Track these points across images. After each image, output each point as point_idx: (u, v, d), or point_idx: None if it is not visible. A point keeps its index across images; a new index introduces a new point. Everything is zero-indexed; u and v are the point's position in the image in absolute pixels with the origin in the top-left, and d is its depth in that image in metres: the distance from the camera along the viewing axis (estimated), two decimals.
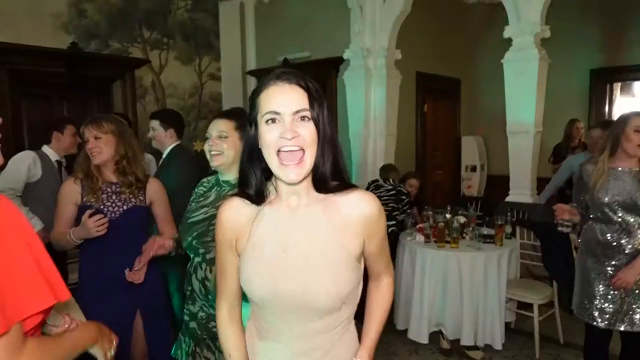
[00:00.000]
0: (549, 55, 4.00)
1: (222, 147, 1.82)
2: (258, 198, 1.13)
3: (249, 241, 1.13)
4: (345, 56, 5.05)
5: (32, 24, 4.40)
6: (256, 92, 1.09)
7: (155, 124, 3.15)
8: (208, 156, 1.86)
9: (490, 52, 5.83)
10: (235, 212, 1.16)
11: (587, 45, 5.97)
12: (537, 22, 3.85)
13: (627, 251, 2.33)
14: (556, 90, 5.12)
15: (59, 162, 3.35)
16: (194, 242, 1.83)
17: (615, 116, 5.85)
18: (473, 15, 6.62)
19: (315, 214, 1.11)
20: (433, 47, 5.98)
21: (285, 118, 1.02)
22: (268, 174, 1.13)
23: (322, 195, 1.11)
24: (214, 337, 1.78)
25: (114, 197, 2.19)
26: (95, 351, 1.27)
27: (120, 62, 5.07)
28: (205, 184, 1.97)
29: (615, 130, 2.36)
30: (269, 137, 1.03)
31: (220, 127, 1.85)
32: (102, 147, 2.16)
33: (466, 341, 3.34)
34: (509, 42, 4.03)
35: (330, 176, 1.09)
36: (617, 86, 6.56)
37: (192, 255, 1.87)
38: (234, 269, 1.18)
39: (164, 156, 3.19)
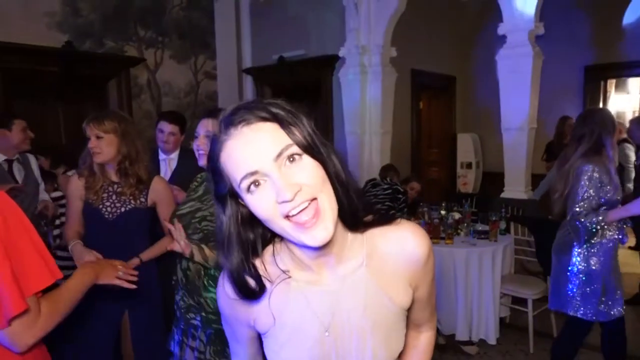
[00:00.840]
0: (543, 52, 4.02)
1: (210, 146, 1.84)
2: (245, 294, 0.86)
3: (276, 323, 0.89)
4: (340, 54, 5.06)
5: (26, 23, 4.38)
6: (213, 158, 0.80)
7: (175, 129, 3.07)
8: (196, 155, 1.89)
9: (484, 49, 5.87)
10: (233, 301, 0.90)
11: (581, 41, 6.00)
12: (531, 19, 3.87)
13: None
14: (550, 86, 5.15)
15: (8, 162, 2.97)
16: None
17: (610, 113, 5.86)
18: (467, 12, 6.64)
19: (357, 278, 0.87)
20: (428, 44, 6.00)
21: (269, 172, 0.73)
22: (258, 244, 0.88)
23: (361, 251, 0.87)
24: (195, 327, 1.86)
25: (114, 197, 2.18)
26: (106, 281, 1.47)
27: (116, 60, 5.06)
28: (198, 179, 2.01)
29: (610, 127, 2.40)
30: (264, 208, 0.75)
31: (208, 127, 1.86)
32: (102, 147, 2.12)
33: (461, 336, 3.37)
34: (503, 39, 4.05)
35: (361, 207, 0.85)
36: (612, 83, 6.61)
37: None
38: (253, 339, 0.97)
39: (172, 156, 3.17)
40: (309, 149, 0.76)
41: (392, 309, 0.89)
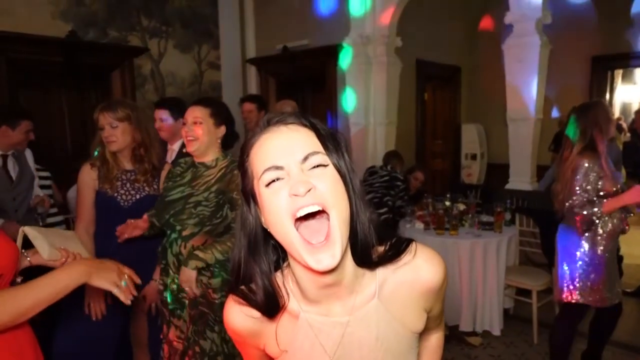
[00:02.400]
0: (550, 42, 3.98)
1: (197, 133, 1.90)
2: (269, 307, 0.83)
3: (284, 351, 0.87)
4: (344, 44, 5.02)
5: (30, 12, 4.37)
6: (244, 153, 0.80)
7: (163, 114, 2.96)
8: (185, 141, 1.94)
9: (490, 38, 5.81)
10: (246, 320, 0.86)
11: (589, 31, 5.92)
12: (539, 8, 3.81)
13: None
14: (557, 77, 5.10)
15: (2, 157, 2.85)
16: (170, 220, 1.92)
17: (617, 103, 5.83)
18: (473, 2, 6.57)
19: (370, 310, 0.83)
20: (433, 34, 5.94)
21: (292, 170, 0.73)
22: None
23: (371, 287, 0.84)
24: (183, 306, 1.92)
25: (128, 185, 2.19)
26: (100, 284, 1.29)
27: (119, 50, 5.04)
28: (182, 165, 2.06)
29: (602, 119, 2.46)
30: (278, 201, 0.73)
31: (196, 114, 1.93)
32: (118, 135, 2.14)
33: (465, 327, 3.37)
34: (509, 28, 4.01)
35: (375, 245, 0.82)
36: (619, 73, 6.55)
37: (168, 232, 1.96)
38: (265, 358, 0.94)
39: (174, 147, 3.02)
40: (338, 167, 0.76)
41: (405, 335, 0.86)
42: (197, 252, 1.85)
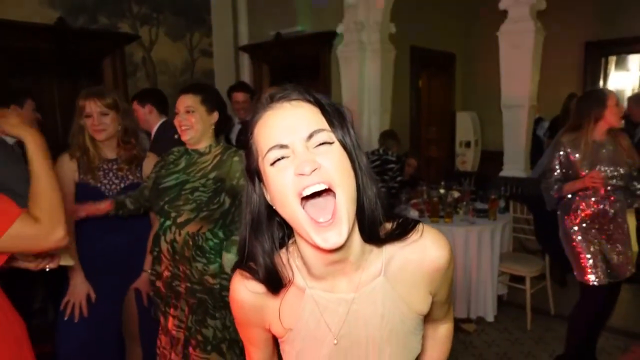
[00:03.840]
0: (544, 28, 3.96)
1: (190, 121, 1.89)
2: (272, 285, 0.83)
3: (288, 330, 0.87)
4: (338, 30, 4.97)
5: None
6: (249, 130, 0.79)
7: (134, 105, 3.19)
8: (179, 130, 1.93)
9: (485, 25, 5.76)
10: (251, 294, 0.86)
11: (583, 17, 5.90)
12: None
13: (611, 215, 2.59)
14: (551, 63, 5.09)
15: (21, 144, 3.00)
16: (165, 207, 1.91)
17: (610, 90, 5.81)
18: None
19: (370, 289, 0.84)
20: (428, 20, 5.90)
21: (297, 148, 0.72)
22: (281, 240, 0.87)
23: (377, 263, 0.84)
24: (177, 294, 1.91)
25: (110, 174, 2.14)
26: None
27: (109, 37, 4.95)
28: (175, 153, 2.04)
29: (596, 107, 2.54)
30: (283, 180, 0.72)
31: (187, 102, 1.91)
32: (108, 123, 2.08)
33: (459, 314, 3.40)
34: (504, 14, 3.98)
35: (382, 220, 0.81)
36: (612, 59, 6.53)
37: (162, 220, 1.94)
38: (267, 341, 0.95)
39: (152, 136, 3.20)
40: (343, 143, 0.75)
41: (410, 316, 0.87)
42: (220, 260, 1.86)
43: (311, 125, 0.73)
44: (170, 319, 1.94)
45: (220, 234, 1.91)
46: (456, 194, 3.73)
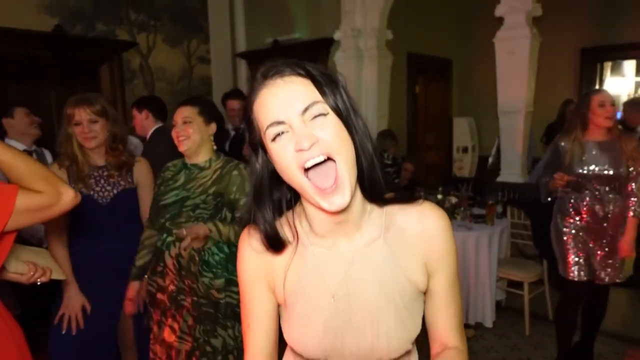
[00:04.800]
0: (540, 34, 3.99)
1: (187, 132, 1.88)
2: (273, 246, 0.88)
3: (290, 292, 0.90)
4: (335, 37, 4.99)
5: (15, 6, 4.29)
6: (248, 108, 0.83)
7: (133, 111, 3.34)
8: (176, 142, 1.92)
9: (481, 31, 5.79)
10: (258, 246, 0.90)
11: (578, 23, 5.95)
12: (529, 0, 3.82)
13: (600, 215, 2.60)
14: (547, 69, 5.12)
15: (30, 153, 2.96)
16: (167, 224, 1.90)
17: None
18: None
19: (372, 247, 0.87)
20: (424, 27, 5.93)
21: (294, 124, 0.76)
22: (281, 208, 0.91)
23: (379, 221, 0.87)
24: (181, 307, 1.89)
25: (102, 181, 2.10)
26: None
27: (107, 44, 4.96)
28: (171, 168, 2.02)
29: (582, 109, 2.62)
30: (283, 157, 0.77)
31: (185, 113, 1.91)
32: (98, 130, 2.04)
33: None
34: (500, 20, 4.01)
35: (381, 179, 0.85)
36: (608, 65, 6.57)
37: (164, 235, 1.93)
38: (270, 314, 0.92)
39: (147, 141, 3.25)
40: (337, 110, 0.78)
41: (408, 287, 0.88)
42: (218, 222, 1.83)
43: (305, 99, 0.76)
44: (167, 329, 1.92)
45: (226, 249, 1.90)
46: (454, 200, 3.73)
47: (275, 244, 0.87)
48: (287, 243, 0.88)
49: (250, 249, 0.90)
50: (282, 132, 0.77)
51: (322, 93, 0.78)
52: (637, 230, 3.45)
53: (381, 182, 0.85)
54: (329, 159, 0.77)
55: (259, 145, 0.84)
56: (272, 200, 0.88)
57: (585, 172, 2.58)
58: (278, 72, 0.79)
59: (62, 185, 1.24)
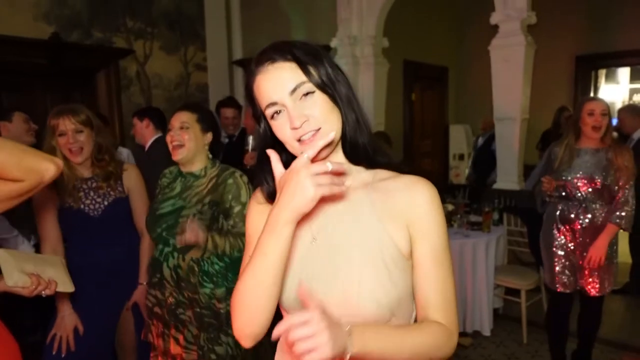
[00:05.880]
0: (535, 42, 4.01)
1: (183, 138, 1.84)
2: (272, 197, 0.97)
3: None
4: (332, 44, 5.00)
5: (11, 14, 4.29)
6: (248, 87, 0.95)
7: (134, 119, 3.42)
8: (170, 147, 1.87)
9: (477, 39, 5.83)
10: (261, 199, 1.02)
11: (573, 31, 5.99)
12: (524, 8, 3.84)
13: (584, 225, 2.59)
14: (542, 76, 5.15)
15: None
16: (164, 234, 1.86)
17: None
18: (460, 2, 6.60)
19: (356, 197, 0.94)
20: (420, 35, 5.96)
21: (286, 103, 0.87)
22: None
23: (365, 177, 0.96)
24: (182, 322, 1.86)
25: (92, 193, 2.05)
26: None
27: (104, 52, 4.97)
28: (167, 175, 1.99)
29: (575, 115, 2.64)
30: (283, 132, 0.90)
31: (183, 118, 1.87)
32: (83, 140, 1.98)
33: None
34: (495, 28, 4.03)
35: (365, 143, 0.94)
36: (602, 73, 6.62)
37: (161, 246, 1.89)
38: None
39: (146, 150, 3.24)
40: (322, 86, 0.89)
41: (391, 247, 0.90)
42: (214, 234, 1.78)
43: (292, 81, 0.87)
44: (172, 340, 1.88)
45: (226, 257, 1.86)
46: (450, 207, 3.73)
47: (274, 196, 0.92)
48: None
49: (255, 201, 1.03)
50: (279, 111, 0.89)
51: (307, 73, 0.88)
52: (631, 238, 3.45)
53: (365, 147, 0.94)
54: (318, 129, 0.88)
55: (262, 117, 0.95)
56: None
57: (570, 178, 2.57)
58: (269, 59, 0.89)
59: (42, 163, 1.20)
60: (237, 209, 1.84)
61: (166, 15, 5.48)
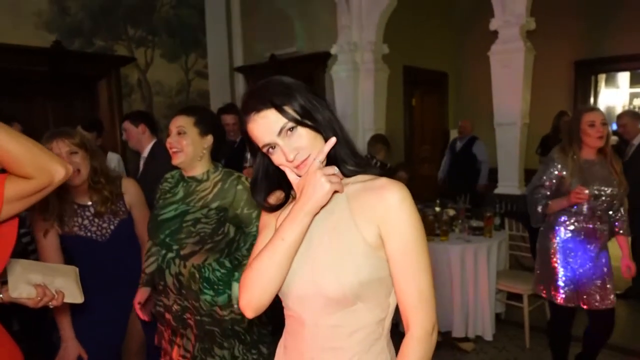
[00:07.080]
0: (534, 47, 4.03)
1: (181, 144, 1.80)
2: (269, 211, 1.15)
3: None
4: (332, 51, 5.04)
5: (13, 23, 4.33)
6: (244, 131, 1.09)
7: (126, 124, 3.32)
8: (170, 153, 1.84)
9: (476, 44, 5.86)
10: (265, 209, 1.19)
11: (572, 36, 6.02)
12: (523, 14, 3.87)
13: (597, 236, 2.53)
14: (541, 82, 5.17)
15: None
16: (167, 240, 1.83)
17: (601, 107, 5.91)
18: (459, 8, 6.64)
19: (336, 195, 1.04)
20: (420, 41, 5.99)
21: (277, 142, 1.02)
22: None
23: (345, 180, 1.07)
24: (187, 327, 1.85)
25: (96, 220, 1.99)
26: None
27: (105, 60, 5.00)
28: (169, 180, 1.96)
29: (574, 127, 2.56)
30: (280, 161, 1.04)
31: (179, 123, 1.83)
32: (79, 162, 1.91)
33: (457, 333, 3.37)
34: (495, 34, 4.05)
35: (348, 154, 1.08)
36: (602, 77, 6.64)
37: (163, 252, 1.86)
38: None
39: (145, 155, 3.24)
40: (301, 121, 1.00)
41: (356, 234, 1.01)
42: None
43: (276, 125, 1.00)
44: (176, 347, 1.88)
45: (227, 263, 1.84)
46: (451, 212, 3.73)
47: (270, 209, 1.15)
48: (278, 206, 1.14)
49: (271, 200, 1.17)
50: (273, 146, 1.03)
51: (285, 114, 1.00)
52: (634, 243, 3.40)
53: (344, 158, 1.06)
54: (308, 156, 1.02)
55: (258, 149, 1.08)
56: (269, 176, 1.13)
57: (591, 191, 2.49)
58: (254, 109, 1.02)
59: (53, 164, 1.19)
60: (255, 213, 1.82)
61: (167, 23, 5.52)
